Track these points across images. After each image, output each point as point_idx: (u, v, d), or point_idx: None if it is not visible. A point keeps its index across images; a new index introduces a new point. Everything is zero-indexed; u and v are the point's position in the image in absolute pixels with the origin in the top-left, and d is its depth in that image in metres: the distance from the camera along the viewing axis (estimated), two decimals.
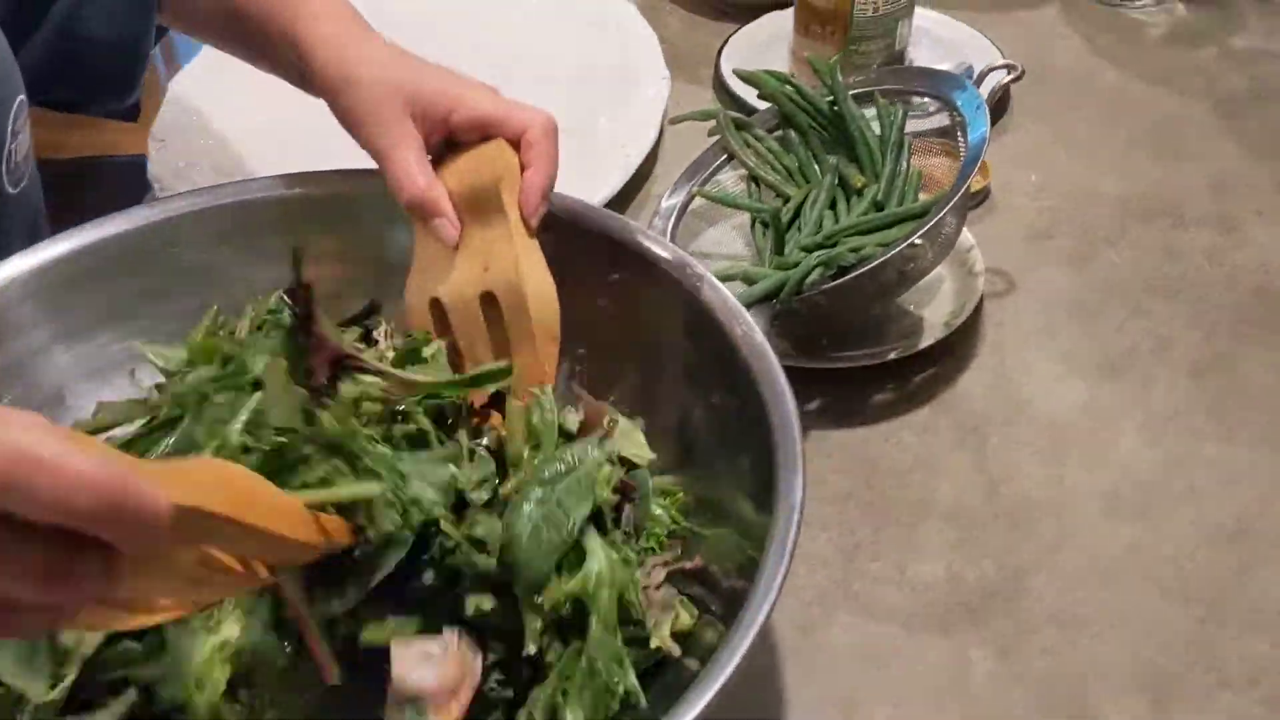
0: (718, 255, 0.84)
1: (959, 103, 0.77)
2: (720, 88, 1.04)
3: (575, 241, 0.65)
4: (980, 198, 0.92)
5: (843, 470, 0.72)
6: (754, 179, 0.85)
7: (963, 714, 0.61)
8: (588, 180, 0.91)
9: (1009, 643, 0.64)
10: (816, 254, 0.70)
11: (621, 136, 0.95)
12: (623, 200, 0.92)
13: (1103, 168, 0.96)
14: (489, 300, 0.62)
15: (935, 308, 0.81)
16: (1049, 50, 1.11)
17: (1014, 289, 0.85)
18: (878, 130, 0.82)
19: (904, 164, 0.80)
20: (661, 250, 0.64)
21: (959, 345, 0.80)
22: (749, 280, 0.72)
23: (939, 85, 0.79)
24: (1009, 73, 0.77)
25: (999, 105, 1.01)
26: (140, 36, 0.80)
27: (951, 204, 0.70)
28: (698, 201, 0.85)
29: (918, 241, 0.70)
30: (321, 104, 0.66)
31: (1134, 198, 0.92)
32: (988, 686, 0.62)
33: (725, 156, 0.86)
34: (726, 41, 1.08)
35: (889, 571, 0.67)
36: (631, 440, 0.60)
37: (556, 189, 0.63)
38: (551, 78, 1.05)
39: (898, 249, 0.70)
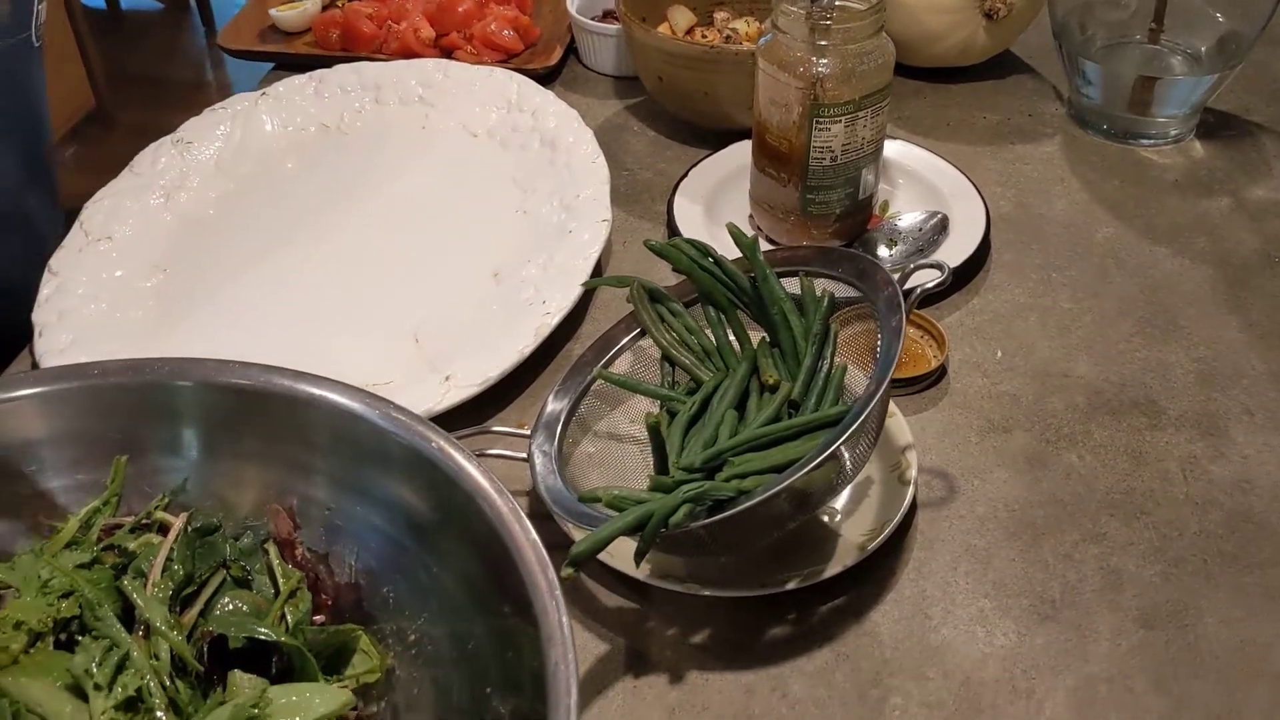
0: (628, 438, 0.76)
1: (878, 304, 0.67)
2: (673, 225, 0.96)
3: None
4: (934, 377, 0.82)
5: None
6: (668, 359, 0.76)
7: None
8: (503, 338, 0.84)
9: None
10: (685, 488, 0.61)
11: (545, 289, 0.87)
12: (539, 362, 0.84)
13: (1079, 345, 0.85)
14: None
15: (855, 521, 0.72)
16: (1045, 195, 1.01)
17: (954, 497, 0.75)
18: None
19: (826, 359, 0.71)
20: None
21: (877, 567, 0.70)
22: (615, 506, 0.63)
23: (863, 277, 0.70)
24: (940, 273, 0.67)
25: (975, 261, 0.91)
26: None
27: (848, 435, 0.61)
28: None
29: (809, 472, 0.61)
30: None
31: (1109, 386, 0.82)
32: None
33: (639, 330, 0.77)
34: (685, 174, 1.00)
35: None
36: None
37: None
38: (492, 208, 0.98)
39: (784, 483, 0.61)
